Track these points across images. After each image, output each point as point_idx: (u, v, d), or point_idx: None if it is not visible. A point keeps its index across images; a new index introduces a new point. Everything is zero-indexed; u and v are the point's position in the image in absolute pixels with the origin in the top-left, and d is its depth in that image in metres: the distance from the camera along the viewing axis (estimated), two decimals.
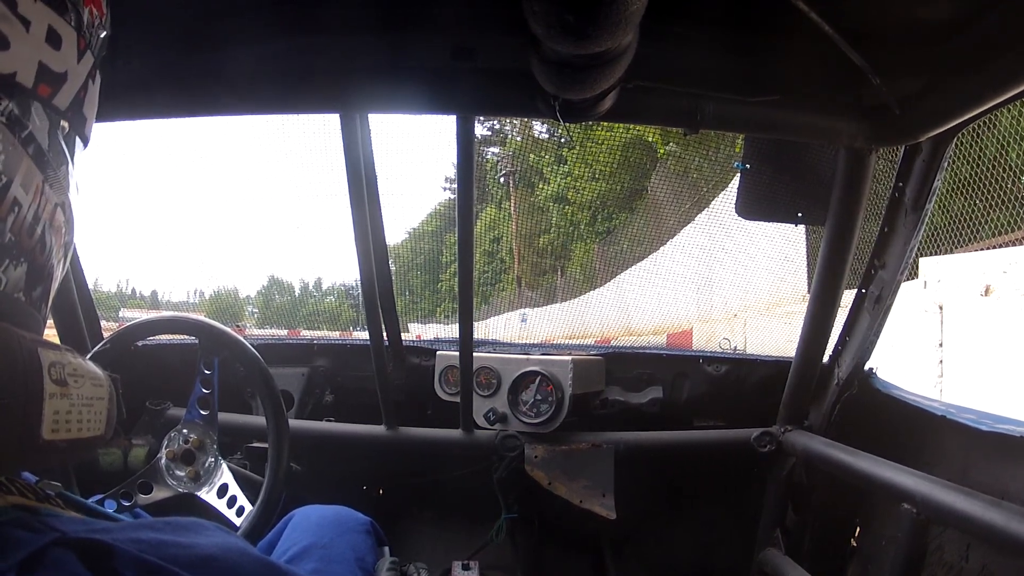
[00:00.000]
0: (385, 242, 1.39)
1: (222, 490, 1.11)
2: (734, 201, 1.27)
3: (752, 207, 1.26)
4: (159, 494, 1.09)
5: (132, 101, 0.97)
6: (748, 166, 1.23)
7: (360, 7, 0.90)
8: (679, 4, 0.84)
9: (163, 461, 1.12)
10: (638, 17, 0.66)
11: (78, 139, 0.42)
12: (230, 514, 1.08)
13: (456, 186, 1.13)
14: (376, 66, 0.98)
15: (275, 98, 1.03)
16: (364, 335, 1.48)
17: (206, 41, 0.93)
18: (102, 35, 0.44)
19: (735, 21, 0.91)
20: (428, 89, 0.99)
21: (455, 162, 1.10)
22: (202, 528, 0.40)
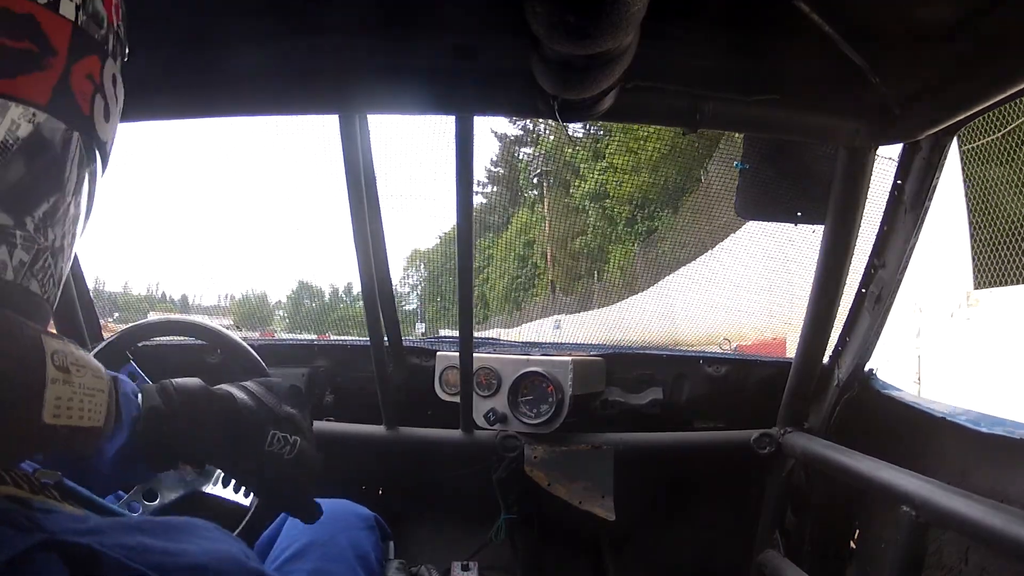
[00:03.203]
0: (384, 243, 1.39)
1: (228, 478, 1.10)
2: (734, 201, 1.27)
3: (752, 207, 1.26)
4: (169, 495, 1.08)
5: (131, 103, 0.96)
6: (748, 166, 1.23)
7: (359, 7, 0.90)
8: (679, 4, 0.84)
9: None
10: (640, 17, 0.66)
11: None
12: (238, 497, 1.07)
13: (455, 187, 1.12)
14: (375, 66, 0.98)
15: (274, 99, 1.02)
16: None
17: (205, 42, 0.92)
18: None
19: (735, 21, 0.91)
20: (428, 89, 0.99)
21: (455, 163, 1.09)
22: (196, 531, 0.39)
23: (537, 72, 0.82)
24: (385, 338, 1.45)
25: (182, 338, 1.44)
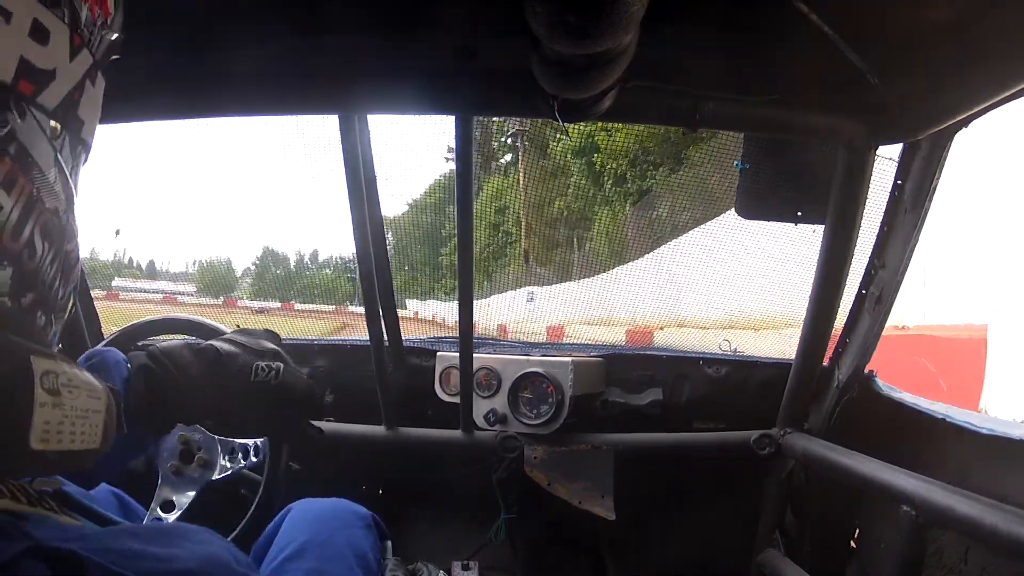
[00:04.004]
0: (385, 243, 1.39)
1: (227, 446, 1.13)
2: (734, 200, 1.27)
3: (752, 206, 1.26)
4: (184, 500, 1.08)
5: (131, 103, 0.97)
6: (748, 165, 1.23)
7: (360, 8, 0.90)
8: (679, 4, 0.84)
9: (170, 475, 1.10)
10: (639, 17, 0.66)
11: (78, 144, 0.40)
12: (247, 462, 1.12)
13: (456, 187, 1.12)
14: (376, 67, 0.98)
15: (274, 99, 1.03)
16: (360, 310, 1.47)
17: (205, 42, 0.93)
18: (111, 37, 0.41)
19: (735, 21, 0.91)
20: (428, 90, 0.99)
21: (454, 163, 1.10)
22: (187, 535, 0.39)
23: (537, 72, 0.82)
24: (385, 338, 1.45)
25: (182, 337, 1.44)
